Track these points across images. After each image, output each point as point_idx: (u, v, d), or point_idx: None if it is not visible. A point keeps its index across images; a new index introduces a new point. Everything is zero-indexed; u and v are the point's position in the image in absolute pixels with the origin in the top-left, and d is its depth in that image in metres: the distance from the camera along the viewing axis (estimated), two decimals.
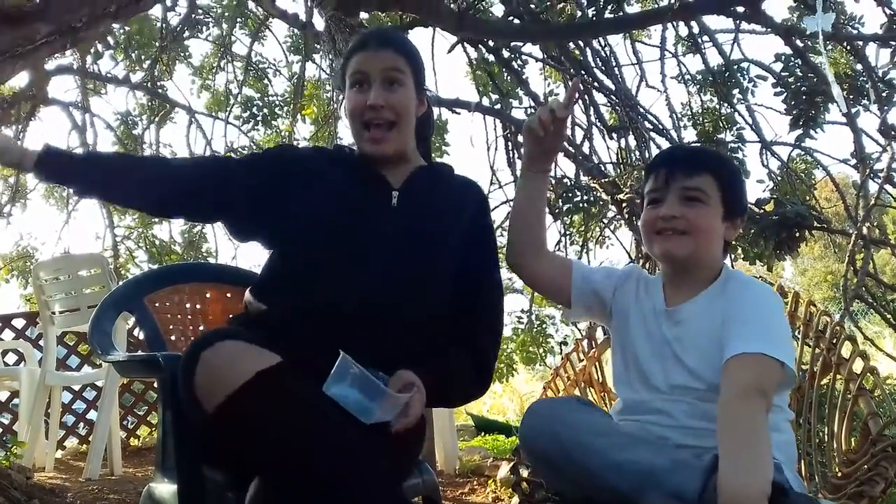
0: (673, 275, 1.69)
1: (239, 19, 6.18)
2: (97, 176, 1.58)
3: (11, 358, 4.87)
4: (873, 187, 3.73)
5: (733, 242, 3.28)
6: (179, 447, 1.56)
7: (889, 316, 3.78)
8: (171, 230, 6.54)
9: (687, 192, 1.59)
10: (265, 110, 5.83)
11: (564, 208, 5.06)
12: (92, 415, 4.87)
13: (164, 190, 1.62)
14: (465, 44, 4.65)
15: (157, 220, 6.26)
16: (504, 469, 3.51)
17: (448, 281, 1.64)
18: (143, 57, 6.07)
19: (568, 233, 5.36)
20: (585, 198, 4.93)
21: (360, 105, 1.63)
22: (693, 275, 1.65)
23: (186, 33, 6.05)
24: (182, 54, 6.41)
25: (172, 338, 1.98)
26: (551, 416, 1.50)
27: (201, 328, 2.05)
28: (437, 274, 1.63)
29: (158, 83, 6.08)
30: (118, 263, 6.11)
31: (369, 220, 1.61)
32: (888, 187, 3.71)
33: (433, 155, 3.96)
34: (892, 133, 3.68)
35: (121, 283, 2.14)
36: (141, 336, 2.95)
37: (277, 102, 6.09)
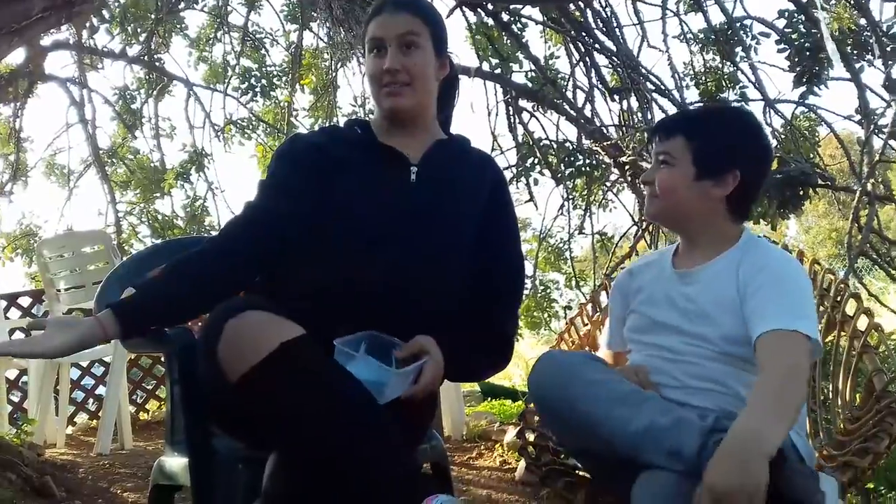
0: (682, 240, 1.73)
1: None
2: (173, 313, 1.54)
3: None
4: (878, 143, 3.70)
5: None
6: (189, 421, 1.57)
7: (894, 271, 3.77)
8: (172, 204, 6.55)
9: (659, 156, 1.67)
10: (263, 81, 5.80)
11: (567, 172, 5.05)
12: (101, 390, 4.91)
13: (237, 282, 1.57)
14: (463, 7, 4.59)
15: (158, 194, 6.27)
16: (511, 433, 3.53)
17: (467, 257, 1.64)
18: (139, 30, 6.02)
19: (571, 197, 5.35)
20: (588, 161, 4.91)
21: (377, 70, 1.62)
22: (699, 239, 1.66)
23: (182, 4, 6.00)
24: (178, 26, 6.36)
25: None
26: (562, 365, 1.52)
27: None
28: (457, 250, 1.63)
29: (155, 56, 6.04)
30: (121, 239, 6.12)
31: (388, 198, 1.60)
32: (893, 143, 3.68)
33: None
34: None
35: (125, 259, 2.13)
36: None
37: (275, 73, 6.05)
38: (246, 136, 6.28)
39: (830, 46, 2.52)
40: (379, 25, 1.64)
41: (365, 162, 1.64)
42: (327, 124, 4.92)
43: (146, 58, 5.89)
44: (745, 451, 1.22)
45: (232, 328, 1.31)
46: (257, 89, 5.83)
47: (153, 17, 5.73)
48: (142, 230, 6.64)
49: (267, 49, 6.30)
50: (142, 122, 6.46)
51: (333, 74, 5.55)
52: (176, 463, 1.62)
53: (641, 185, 1.75)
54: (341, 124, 1.87)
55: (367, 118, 1.78)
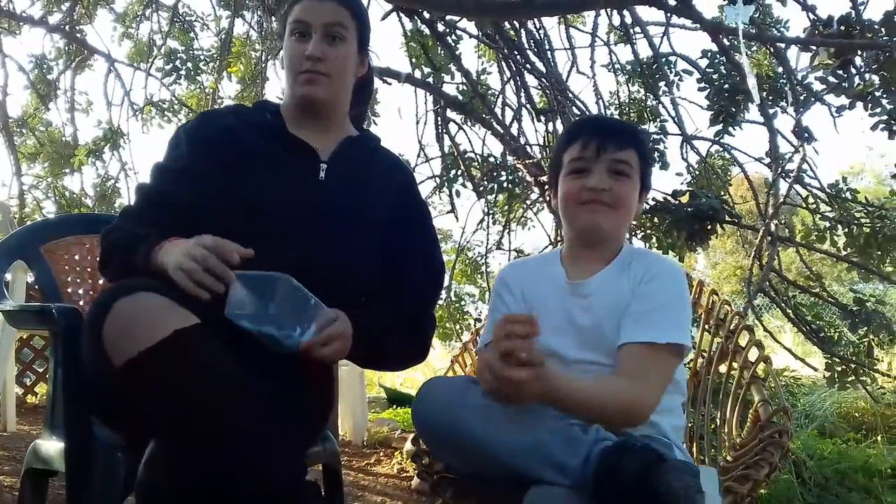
0: (579, 249, 1.67)
1: None
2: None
3: None
4: (784, 187, 3.86)
5: (649, 231, 3.33)
6: (69, 403, 1.50)
7: (790, 311, 3.93)
8: (82, 181, 6.29)
9: (616, 164, 1.59)
10: (189, 64, 5.63)
11: (489, 187, 5.09)
12: None
13: None
14: (400, 13, 4.58)
15: (67, 170, 6.02)
16: (409, 441, 3.52)
17: (374, 255, 1.62)
18: None
19: (491, 212, 5.39)
20: (510, 178, 4.96)
21: (298, 55, 1.58)
22: (599, 250, 1.64)
23: None
24: None
25: (69, 290, 1.91)
26: (443, 395, 1.47)
27: (102, 282, 1.97)
28: (363, 248, 1.61)
29: (77, 27, 5.81)
30: (24, 213, 5.85)
31: (296, 194, 1.57)
32: (797, 187, 3.84)
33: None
34: (805, 135, 3.81)
35: (17, 229, 2.04)
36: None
37: (203, 57, 5.89)
38: (166, 118, 6.09)
39: (752, 82, 2.62)
40: (306, 9, 1.60)
41: (274, 154, 1.60)
42: None
43: (67, 28, 5.65)
44: None
45: (122, 308, 1.24)
46: (182, 72, 5.65)
47: None
48: (47, 206, 6.38)
49: (196, 32, 6.14)
50: (56, 93, 6.19)
51: (263, 65, 5.45)
52: (53, 447, 1.55)
53: (583, 191, 1.59)
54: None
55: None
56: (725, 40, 3.96)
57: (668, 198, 3.73)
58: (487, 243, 5.51)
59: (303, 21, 1.59)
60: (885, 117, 3.47)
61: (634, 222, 3.92)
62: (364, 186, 1.65)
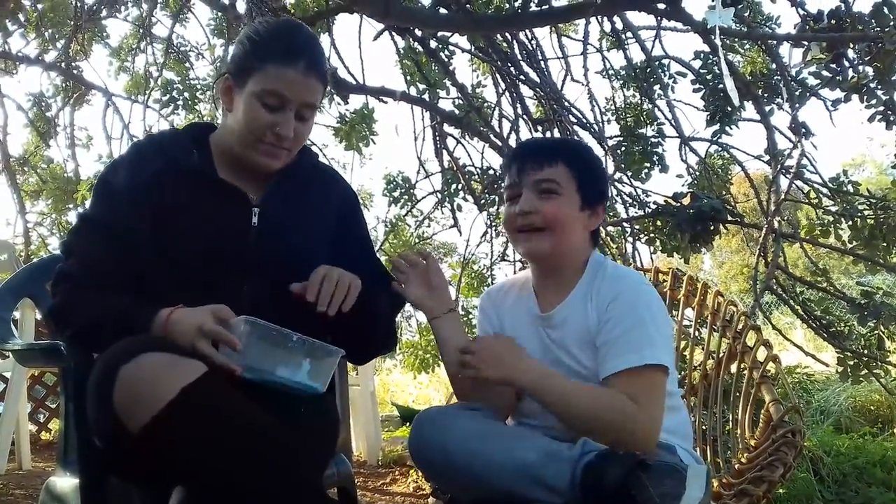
0: (541, 275, 1.66)
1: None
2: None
3: None
4: (784, 183, 3.86)
5: (652, 235, 3.31)
6: (82, 441, 1.50)
7: (798, 308, 3.91)
8: None
9: (540, 184, 1.57)
10: (186, 94, 5.65)
11: (490, 199, 5.10)
12: None
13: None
14: (392, 32, 4.61)
15: (70, 205, 6.05)
16: None
17: None
18: (56, 36, 5.83)
19: (494, 224, 5.39)
20: None
21: (266, 125, 1.51)
22: (561, 272, 1.62)
23: (104, 12, 5.83)
24: (99, 34, 6.18)
25: None
26: (435, 425, 1.48)
27: None
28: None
29: (73, 64, 5.85)
30: (30, 251, 5.88)
31: (231, 247, 1.53)
32: (798, 182, 3.84)
33: (359, 145, 3.86)
34: (802, 130, 3.81)
35: (21, 268, 2.04)
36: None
37: (199, 87, 5.91)
38: None
39: (729, 84, 2.62)
40: (287, 85, 1.51)
41: (203, 204, 1.55)
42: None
43: (63, 65, 5.69)
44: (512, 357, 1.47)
45: (127, 376, 1.23)
46: (179, 102, 5.66)
47: (72, 23, 5.55)
48: (52, 242, 6.40)
49: (191, 62, 6.18)
50: (56, 130, 6.23)
51: None
52: (67, 483, 1.55)
53: (516, 218, 1.59)
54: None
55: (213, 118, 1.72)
56: (717, 40, 3.97)
57: (670, 200, 3.74)
58: (492, 255, 5.51)
59: (282, 96, 1.51)
60: (881, 108, 3.47)
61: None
62: (303, 216, 1.62)
